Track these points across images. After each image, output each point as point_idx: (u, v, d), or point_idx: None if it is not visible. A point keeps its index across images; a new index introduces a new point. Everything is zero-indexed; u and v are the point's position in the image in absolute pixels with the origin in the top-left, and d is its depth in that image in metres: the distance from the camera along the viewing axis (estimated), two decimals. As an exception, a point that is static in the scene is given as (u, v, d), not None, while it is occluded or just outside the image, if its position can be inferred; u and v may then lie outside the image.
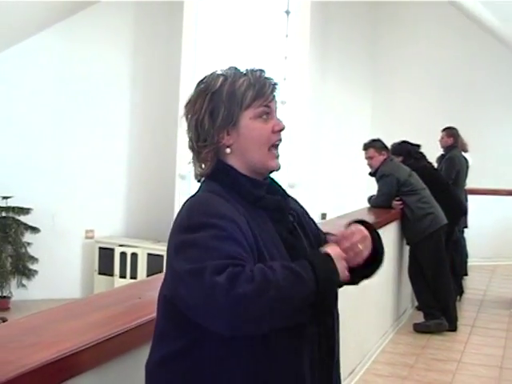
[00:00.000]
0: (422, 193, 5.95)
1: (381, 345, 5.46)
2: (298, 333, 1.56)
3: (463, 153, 7.37)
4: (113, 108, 9.09)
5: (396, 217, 5.90)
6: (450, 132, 7.28)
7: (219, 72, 1.69)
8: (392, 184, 5.87)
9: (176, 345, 1.58)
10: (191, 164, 1.72)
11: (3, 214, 8.30)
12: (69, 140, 8.75)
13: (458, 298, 6.86)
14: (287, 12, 8.92)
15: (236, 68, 1.69)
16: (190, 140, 1.70)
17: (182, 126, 1.75)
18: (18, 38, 8.34)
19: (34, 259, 8.37)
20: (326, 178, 9.48)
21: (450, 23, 9.96)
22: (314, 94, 9.15)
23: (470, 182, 7.62)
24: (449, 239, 6.26)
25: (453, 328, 5.92)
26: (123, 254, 8.58)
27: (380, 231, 5.10)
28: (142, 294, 2.21)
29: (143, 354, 1.70)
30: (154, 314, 1.71)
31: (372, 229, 1.70)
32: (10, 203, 8.24)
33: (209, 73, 1.71)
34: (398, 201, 5.89)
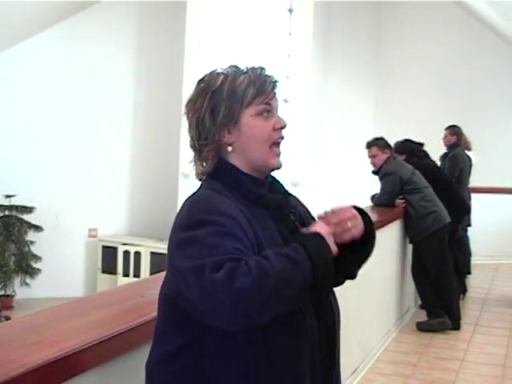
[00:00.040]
0: (425, 191, 5.94)
1: (384, 343, 5.45)
2: (299, 332, 1.56)
3: (466, 151, 7.36)
4: (116, 107, 9.10)
5: (399, 215, 5.90)
6: (453, 130, 7.27)
7: (219, 70, 1.69)
8: (395, 182, 5.86)
9: (176, 343, 1.58)
10: (192, 163, 1.72)
11: (6, 213, 8.31)
12: (72, 139, 8.76)
13: (462, 296, 6.85)
14: (290, 10, 8.91)
15: (236, 66, 1.69)
16: (191, 139, 1.70)
17: (185, 125, 1.75)
18: (22, 37, 8.35)
19: (37, 258, 8.38)
20: (328, 176, 9.47)
21: (454, 23, 9.94)
22: (316, 93, 9.14)
23: (474, 181, 7.61)
24: (452, 238, 6.25)
25: (456, 327, 5.91)
26: (126, 253, 8.59)
27: (383, 229, 5.07)
28: (144, 293, 2.21)
29: (146, 352, 1.70)
30: (156, 313, 1.71)
31: (365, 214, 1.69)
32: (14, 202, 8.26)
33: (209, 71, 1.71)
34: (401, 199, 5.88)
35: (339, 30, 9.60)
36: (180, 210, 1.60)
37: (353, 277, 1.81)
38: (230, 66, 1.70)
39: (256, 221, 1.59)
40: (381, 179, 5.98)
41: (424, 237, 5.89)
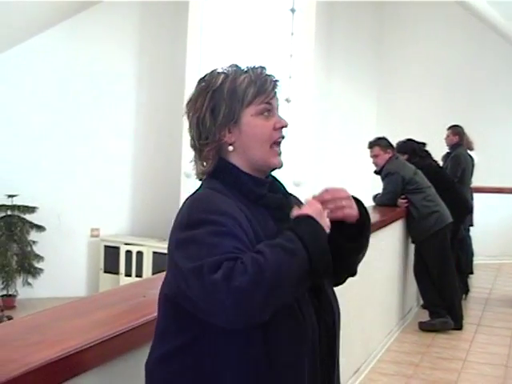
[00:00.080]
0: (428, 191, 5.94)
1: (386, 343, 5.45)
2: (299, 332, 1.56)
3: (469, 151, 7.35)
4: (118, 107, 9.10)
5: (401, 215, 5.90)
6: (456, 130, 7.27)
7: (220, 70, 1.69)
8: (397, 182, 5.86)
9: (176, 342, 1.58)
10: (193, 162, 1.72)
11: (9, 213, 8.31)
12: (74, 139, 8.76)
13: (464, 296, 6.85)
14: (292, 10, 8.91)
15: (237, 65, 1.69)
16: (192, 138, 1.70)
17: (186, 125, 1.75)
18: (23, 38, 8.35)
19: (39, 257, 8.38)
20: (330, 176, 9.45)
21: (456, 23, 9.94)
22: (319, 93, 9.13)
23: (476, 181, 7.61)
24: (454, 237, 6.25)
25: (458, 326, 5.91)
26: (128, 253, 8.59)
27: (385, 229, 5.07)
28: (146, 293, 2.21)
29: (147, 352, 1.70)
30: (157, 313, 1.71)
31: (359, 203, 1.71)
32: (16, 202, 8.26)
33: (209, 71, 1.71)
34: (403, 199, 5.88)
35: (341, 30, 9.60)
36: (180, 210, 1.59)
37: (353, 273, 1.81)
38: (231, 66, 1.69)
39: (256, 220, 1.59)
40: (383, 179, 5.97)
41: (426, 237, 5.89)
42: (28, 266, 8.32)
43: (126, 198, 9.22)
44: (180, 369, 1.57)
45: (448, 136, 7.29)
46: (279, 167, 1.70)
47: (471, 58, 9.96)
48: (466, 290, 7.08)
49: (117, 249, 8.68)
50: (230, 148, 1.66)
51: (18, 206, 8.27)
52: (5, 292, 8.22)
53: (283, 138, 1.69)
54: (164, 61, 9.29)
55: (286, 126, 1.68)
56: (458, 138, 7.23)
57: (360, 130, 9.58)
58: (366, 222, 1.73)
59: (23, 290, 8.32)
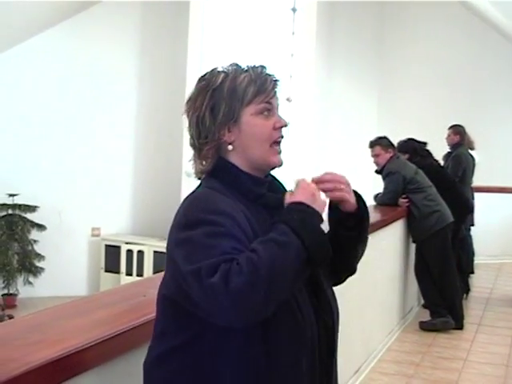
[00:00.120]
0: (429, 190, 5.93)
1: (387, 343, 5.45)
2: (298, 331, 1.55)
3: (470, 150, 7.35)
4: (119, 107, 9.11)
5: (402, 214, 5.89)
6: (457, 130, 7.26)
7: (220, 69, 1.69)
8: (398, 182, 5.85)
9: (175, 341, 1.58)
10: (192, 161, 1.72)
11: (10, 212, 8.32)
12: (75, 138, 8.77)
13: (465, 296, 6.84)
14: (293, 9, 8.91)
15: (237, 64, 1.69)
16: (191, 137, 1.69)
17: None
18: (23, 37, 8.36)
19: (40, 257, 8.39)
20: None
21: (457, 22, 9.94)
22: (320, 92, 9.13)
23: (477, 180, 7.60)
24: (455, 237, 6.24)
25: (459, 326, 5.90)
26: (129, 252, 8.59)
27: (386, 229, 5.07)
28: (146, 292, 2.21)
29: (148, 351, 1.70)
30: (157, 313, 1.71)
31: (359, 196, 1.73)
32: (17, 201, 8.27)
33: (210, 69, 1.71)
34: (404, 198, 5.88)
35: (342, 30, 9.60)
36: (179, 209, 1.59)
37: (352, 271, 1.81)
38: (231, 65, 1.69)
39: (255, 220, 1.59)
40: (384, 178, 5.97)
41: (427, 236, 5.89)
42: (29, 265, 8.33)
43: (126, 197, 9.23)
44: (179, 368, 1.57)
45: (449, 135, 7.28)
46: (279, 166, 1.70)
47: (472, 58, 9.95)
48: (467, 290, 7.07)
49: (118, 248, 8.68)
50: (230, 147, 1.65)
51: (19, 205, 8.28)
52: (6, 291, 8.23)
53: (283, 137, 1.68)
54: (165, 61, 9.29)
55: (285, 126, 1.68)
56: (459, 138, 7.22)
57: (361, 130, 9.58)
58: (364, 214, 1.73)
59: (24, 289, 8.32)
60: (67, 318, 1.95)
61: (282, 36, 8.97)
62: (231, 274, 1.39)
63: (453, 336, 5.75)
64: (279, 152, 1.68)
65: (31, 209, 8.33)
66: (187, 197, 1.62)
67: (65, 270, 8.59)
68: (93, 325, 1.90)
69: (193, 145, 1.70)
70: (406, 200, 5.87)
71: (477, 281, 7.76)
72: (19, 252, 8.35)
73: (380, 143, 5.99)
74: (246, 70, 1.67)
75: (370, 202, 6.23)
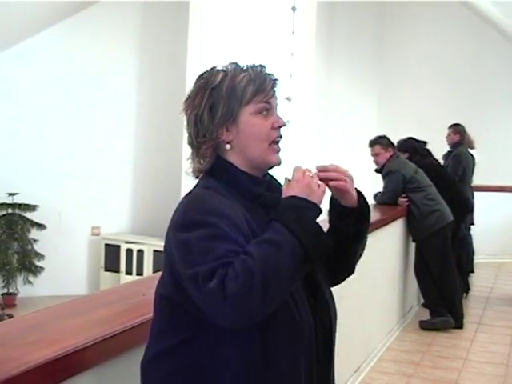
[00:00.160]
0: (428, 190, 5.93)
1: (386, 342, 5.45)
2: (296, 331, 1.55)
3: (470, 150, 7.35)
4: (119, 107, 9.10)
5: (402, 214, 5.89)
6: (457, 129, 7.26)
7: (219, 67, 1.69)
8: (398, 181, 5.85)
9: (173, 341, 1.58)
10: (190, 160, 1.72)
11: (9, 211, 8.31)
12: (75, 138, 8.76)
13: (464, 295, 6.85)
14: (293, 9, 8.90)
15: (236, 63, 1.69)
16: (189, 135, 1.69)
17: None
18: (23, 37, 8.35)
19: (40, 256, 8.38)
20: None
21: (458, 22, 9.93)
22: (320, 91, 9.13)
23: (477, 179, 7.60)
24: (455, 236, 6.24)
25: (459, 325, 5.90)
26: (129, 251, 8.59)
27: (386, 228, 5.07)
28: (146, 291, 2.20)
29: (148, 351, 1.70)
30: (155, 313, 1.71)
31: (360, 193, 1.74)
32: (17, 200, 8.26)
33: (209, 68, 1.70)
34: (404, 198, 5.88)
35: (342, 29, 9.59)
36: (177, 209, 1.59)
37: (351, 271, 1.80)
38: (230, 63, 1.69)
39: (253, 219, 1.58)
40: (384, 177, 5.97)
41: (427, 235, 5.89)
42: (29, 264, 8.32)
43: (126, 196, 9.22)
44: (176, 367, 1.57)
45: (449, 135, 7.28)
46: (277, 165, 1.70)
47: (472, 57, 9.95)
48: (467, 289, 7.08)
49: (117, 247, 8.68)
50: (228, 146, 1.65)
51: (19, 205, 8.27)
52: (5, 290, 8.23)
53: (281, 137, 1.68)
54: (165, 60, 9.28)
55: (284, 126, 1.68)
56: (459, 137, 7.22)
57: (361, 129, 9.57)
58: (365, 210, 1.73)
59: (24, 289, 8.32)
60: (66, 318, 1.95)
61: (282, 35, 8.96)
62: (227, 280, 1.39)
63: (452, 335, 5.76)
64: (278, 151, 1.68)
65: (31, 208, 8.32)
66: (185, 196, 1.62)
67: (65, 269, 8.59)
68: (92, 324, 1.90)
69: (191, 143, 1.69)
70: (406, 199, 5.87)
71: (476, 280, 7.76)
72: (19, 251, 8.34)
73: (380, 142, 5.99)
74: (246, 69, 1.66)
75: (369, 201, 6.21)
